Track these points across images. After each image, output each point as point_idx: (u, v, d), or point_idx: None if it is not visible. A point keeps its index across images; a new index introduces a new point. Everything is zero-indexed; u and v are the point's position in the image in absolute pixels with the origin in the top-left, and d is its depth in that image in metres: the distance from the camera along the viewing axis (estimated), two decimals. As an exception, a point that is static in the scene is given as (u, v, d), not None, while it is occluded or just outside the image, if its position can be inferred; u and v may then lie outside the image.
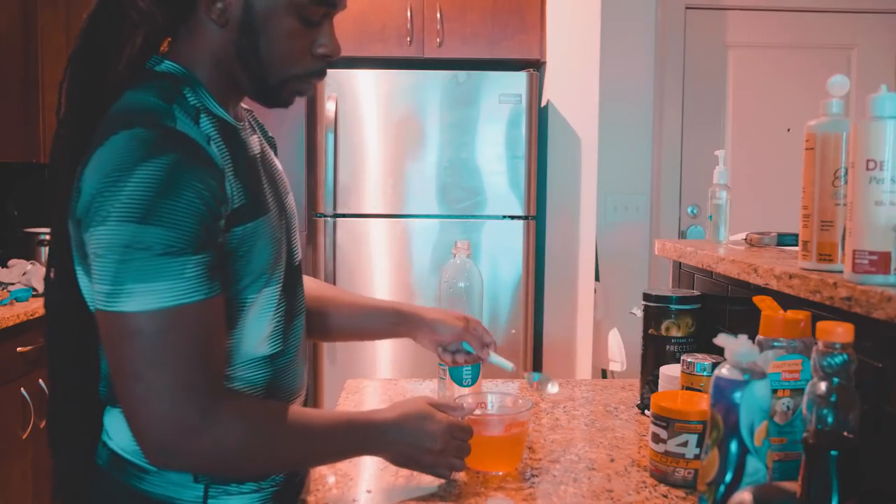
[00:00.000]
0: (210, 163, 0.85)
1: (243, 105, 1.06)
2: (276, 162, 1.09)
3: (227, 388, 0.89)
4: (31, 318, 2.27)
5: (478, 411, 1.14)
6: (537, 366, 3.16)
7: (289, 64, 0.94)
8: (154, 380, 0.82)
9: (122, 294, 0.80)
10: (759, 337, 1.00)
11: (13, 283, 2.49)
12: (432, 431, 1.00)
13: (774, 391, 0.95)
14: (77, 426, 0.99)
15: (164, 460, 0.86)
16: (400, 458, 1.02)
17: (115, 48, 0.93)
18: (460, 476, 1.08)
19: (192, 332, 0.83)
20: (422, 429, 1.00)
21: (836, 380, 0.82)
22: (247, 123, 1.02)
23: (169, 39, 0.96)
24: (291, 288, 1.04)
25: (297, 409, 0.94)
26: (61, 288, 0.94)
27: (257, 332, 0.96)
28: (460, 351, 1.23)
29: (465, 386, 1.31)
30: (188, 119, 0.88)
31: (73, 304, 0.94)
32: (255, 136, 1.03)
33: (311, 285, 1.25)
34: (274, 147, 1.17)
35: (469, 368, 1.30)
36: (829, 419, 0.82)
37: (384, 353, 3.01)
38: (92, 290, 0.89)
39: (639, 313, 1.43)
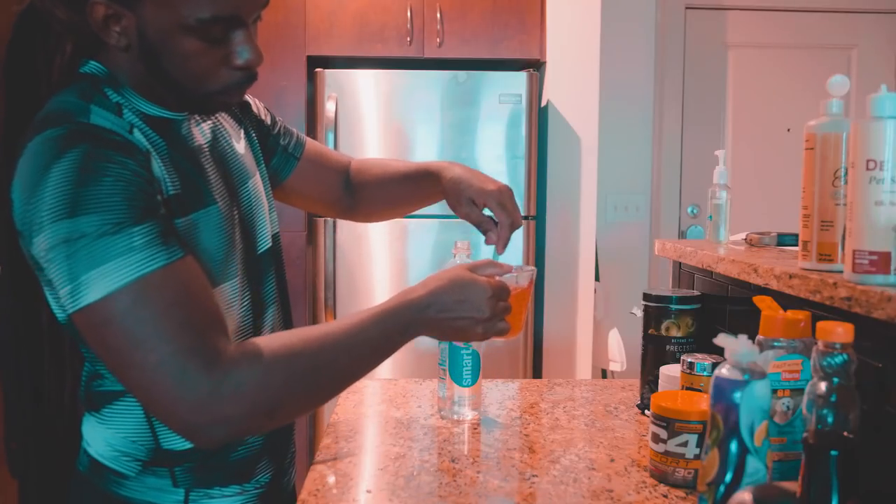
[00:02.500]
0: (128, 147, 0.84)
1: None
2: (236, 146, 1.06)
3: (226, 339, 0.84)
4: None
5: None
6: (537, 367, 3.16)
7: (203, 81, 0.89)
8: (142, 361, 0.78)
9: (80, 288, 0.79)
10: (759, 337, 1.00)
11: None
12: (478, 300, 0.94)
13: (774, 391, 0.95)
14: (51, 443, 0.98)
15: (206, 438, 0.82)
16: (447, 333, 0.96)
17: (43, 61, 0.91)
18: (460, 475, 1.08)
19: (165, 299, 0.80)
20: (467, 299, 0.94)
21: (836, 380, 0.82)
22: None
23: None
24: (256, 278, 1.02)
25: (312, 327, 0.89)
26: (21, 300, 0.93)
27: None
28: (484, 221, 1.15)
29: (464, 385, 1.31)
30: (107, 112, 0.86)
31: (36, 316, 0.93)
32: (205, 125, 1.00)
33: (357, 166, 1.31)
34: (255, 124, 1.15)
35: (469, 368, 1.30)
36: (829, 419, 0.82)
37: (384, 353, 3.01)
38: (56, 300, 0.88)
39: (639, 313, 1.43)
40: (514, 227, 1.14)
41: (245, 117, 1.15)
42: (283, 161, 1.22)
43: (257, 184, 1.07)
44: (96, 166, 0.80)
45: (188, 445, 0.94)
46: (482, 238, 1.16)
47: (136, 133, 0.88)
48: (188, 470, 0.95)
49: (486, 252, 1.17)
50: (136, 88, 0.92)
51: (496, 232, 1.14)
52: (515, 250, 2.96)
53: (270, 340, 0.86)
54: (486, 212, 1.17)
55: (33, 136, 0.82)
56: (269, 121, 1.21)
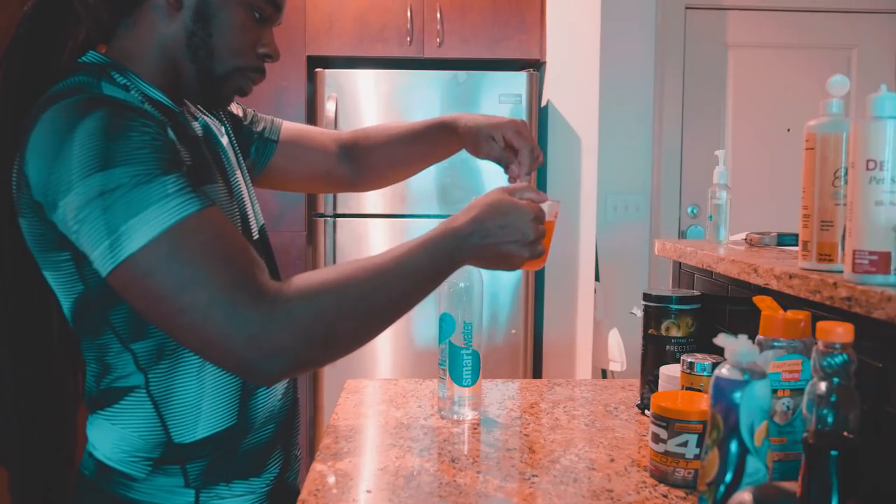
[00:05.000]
0: (146, 113, 0.85)
1: None
2: (223, 140, 1.08)
3: (267, 275, 0.84)
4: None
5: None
6: (537, 367, 3.16)
7: (236, 55, 0.95)
8: (192, 302, 0.78)
9: (121, 239, 0.78)
10: (759, 337, 1.00)
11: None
12: (522, 223, 0.93)
13: (774, 391, 0.95)
14: (51, 446, 0.98)
15: (265, 373, 0.81)
16: (492, 260, 0.95)
17: (59, 42, 0.92)
18: (460, 475, 1.08)
19: (204, 240, 0.80)
20: (510, 224, 0.93)
21: (836, 380, 0.82)
22: (187, 108, 1.02)
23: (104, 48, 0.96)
24: None
25: (358, 259, 0.90)
26: (21, 288, 0.93)
27: None
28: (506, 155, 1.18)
29: (464, 385, 1.31)
30: (117, 89, 0.88)
31: (40, 302, 0.93)
32: (196, 123, 1.02)
33: (355, 134, 1.33)
34: (229, 118, 1.17)
35: (469, 368, 1.30)
36: (829, 419, 0.82)
37: (384, 353, 3.01)
38: (65, 284, 0.88)
39: (639, 313, 1.43)
40: (534, 153, 1.16)
41: (222, 114, 1.17)
42: (262, 146, 1.24)
43: (240, 179, 1.09)
44: (122, 123, 0.81)
45: (199, 436, 0.94)
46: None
47: (148, 106, 0.89)
48: (200, 467, 0.95)
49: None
50: (143, 75, 0.93)
51: (517, 163, 1.16)
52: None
53: (317, 272, 0.86)
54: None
55: (47, 108, 0.83)
56: (241, 113, 1.23)
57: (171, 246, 0.78)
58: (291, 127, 1.30)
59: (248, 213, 1.07)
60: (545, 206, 1.03)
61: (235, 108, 1.22)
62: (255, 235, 1.08)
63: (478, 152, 1.20)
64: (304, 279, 0.84)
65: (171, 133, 0.88)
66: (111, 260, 0.79)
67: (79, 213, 0.79)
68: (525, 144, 1.16)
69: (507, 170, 1.18)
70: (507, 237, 0.93)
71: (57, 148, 0.80)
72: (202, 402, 0.94)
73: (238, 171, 1.09)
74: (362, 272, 0.86)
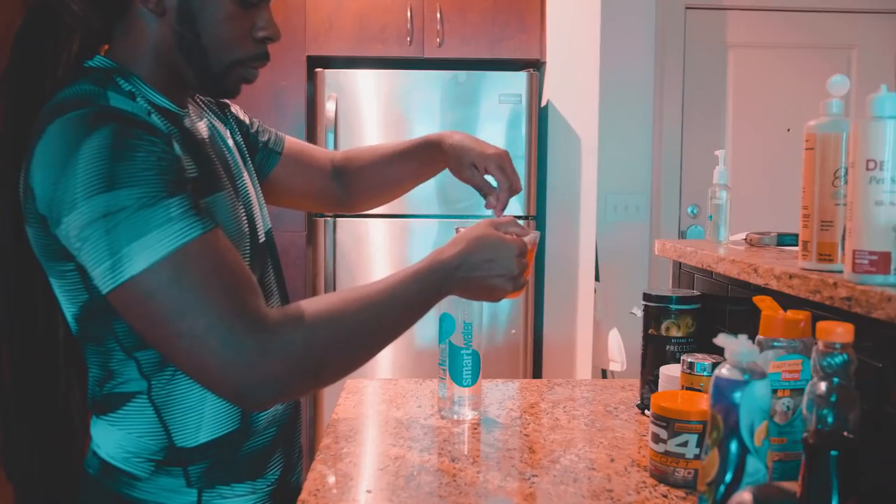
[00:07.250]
0: (152, 128, 0.84)
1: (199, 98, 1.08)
2: (229, 141, 1.08)
3: (264, 303, 0.85)
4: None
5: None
6: (537, 367, 3.16)
7: (230, 49, 0.93)
8: (190, 328, 0.79)
9: (122, 261, 0.78)
10: (759, 337, 1.00)
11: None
12: (507, 259, 0.97)
13: (774, 391, 0.95)
14: (53, 449, 0.98)
15: (255, 400, 0.83)
16: (478, 292, 0.99)
17: (53, 56, 0.91)
18: (460, 475, 1.08)
19: (205, 267, 0.80)
20: (496, 258, 0.96)
21: (836, 380, 0.82)
22: (191, 110, 1.02)
23: (106, 47, 0.95)
24: (259, 266, 1.03)
25: (351, 288, 0.91)
26: (28, 299, 0.93)
27: None
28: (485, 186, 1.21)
29: (464, 385, 1.31)
30: (123, 98, 0.87)
31: (47, 315, 0.93)
32: (201, 123, 1.02)
33: (346, 155, 1.34)
34: (236, 123, 1.17)
35: (469, 368, 1.30)
36: (829, 419, 0.82)
37: (384, 353, 3.01)
38: (70, 292, 0.88)
39: (639, 313, 1.43)
40: (512, 190, 1.19)
41: (228, 117, 1.17)
42: (266, 157, 1.25)
43: (247, 181, 1.09)
44: (128, 143, 0.80)
45: (201, 441, 0.94)
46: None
47: (154, 117, 0.88)
48: (202, 468, 0.95)
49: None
50: (145, 78, 0.93)
51: (495, 195, 1.19)
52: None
53: (312, 302, 0.87)
54: (490, 178, 1.22)
55: (53, 120, 0.82)
56: (248, 120, 1.24)
57: (172, 271, 0.79)
58: (293, 141, 1.31)
59: (256, 216, 1.06)
60: (532, 237, 1.07)
61: (242, 115, 1.23)
62: (262, 238, 1.07)
63: (459, 175, 1.23)
64: (300, 309, 0.85)
65: (177, 147, 0.87)
66: (111, 281, 0.79)
67: (81, 231, 0.79)
68: (504, 182, 1.18)
69: (484, 197, 1.20)
70: (494, 271, 0.97)
71: (62, 164, 0.79)
72: (205, 408, 0.94)
73: (245, 174, 1.08)
74: (355, 304, 0.88)
